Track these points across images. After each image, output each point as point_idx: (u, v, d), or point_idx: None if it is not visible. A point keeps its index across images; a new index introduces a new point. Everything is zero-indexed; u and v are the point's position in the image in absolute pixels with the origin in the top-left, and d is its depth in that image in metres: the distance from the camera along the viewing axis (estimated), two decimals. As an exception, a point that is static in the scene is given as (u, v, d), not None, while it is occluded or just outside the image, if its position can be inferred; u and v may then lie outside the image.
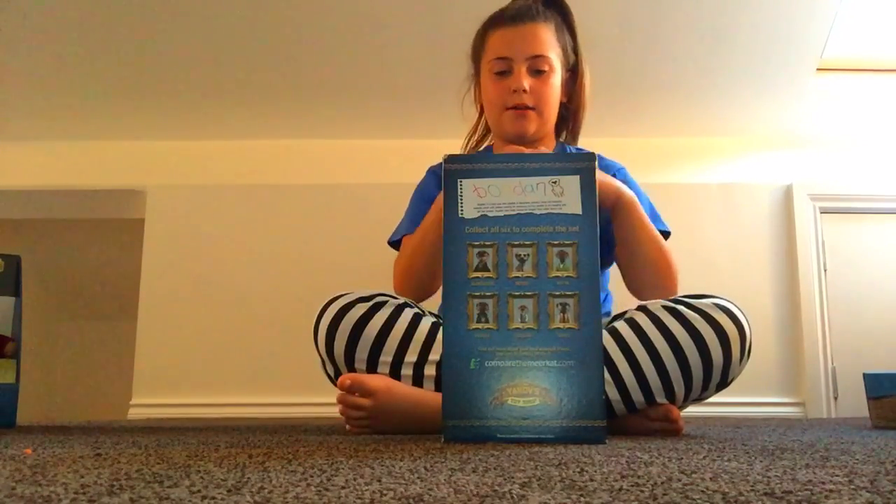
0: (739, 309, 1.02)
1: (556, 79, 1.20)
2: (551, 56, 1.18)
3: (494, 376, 0.80)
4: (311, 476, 0.48)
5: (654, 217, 1.24)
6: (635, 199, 1.11)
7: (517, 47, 1.17)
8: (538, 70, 1.18)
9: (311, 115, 2.69)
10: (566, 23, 1.23)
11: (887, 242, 2.65)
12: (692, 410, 1.24)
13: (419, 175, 1.33)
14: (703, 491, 0.41)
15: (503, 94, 1.19)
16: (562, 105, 1.26)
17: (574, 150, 1.28)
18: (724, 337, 0.97)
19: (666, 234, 1.24)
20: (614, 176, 1.24)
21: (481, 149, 1.33)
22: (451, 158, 0.86)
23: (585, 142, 1.30)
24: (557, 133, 1.30)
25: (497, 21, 1.20)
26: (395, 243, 1.31)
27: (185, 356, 2.57)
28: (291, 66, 2.46)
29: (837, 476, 0.48)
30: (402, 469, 0.52)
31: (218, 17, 2.26)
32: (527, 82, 1.17)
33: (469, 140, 1.34)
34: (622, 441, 0.84)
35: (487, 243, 0.83)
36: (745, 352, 1.00)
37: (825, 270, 2.61)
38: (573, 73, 1.25)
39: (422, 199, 1.28)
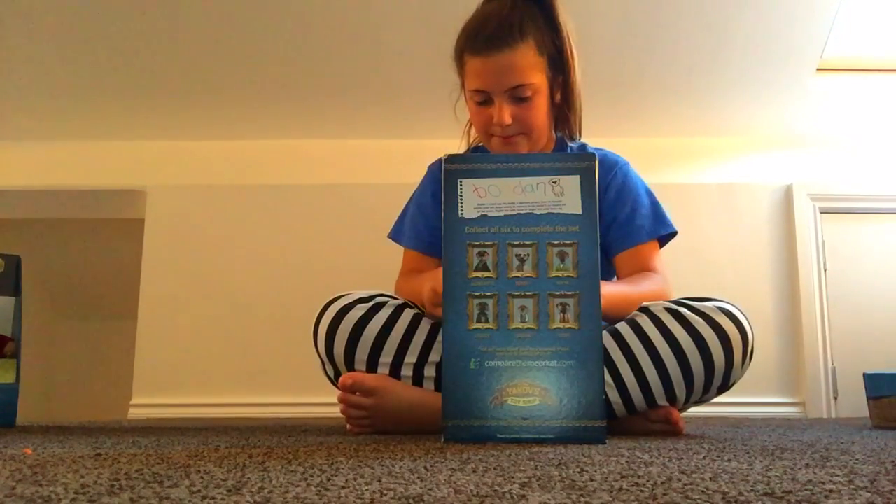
0: (742, 312, 1.01)
1: (542, 97, 1.13)
2: (533, 81, 1.10)
3: (494, 376, 0.80)
4: (311, 476, 0.48)
5: (658, 217, 1.20)
6: (610, 295, 1.01)
7: (494, 81, 1.09)
8: (520, 97, 1.11)
9: (311, 115, 2.69)
10: (548, 19, 1.13)
11: (887, 242, 2.64)
12: (692, 410, 1.24)
13: (419, 175, 1.33)
14: (703, 491, 0.41)
15: (487, 124, 1.14)
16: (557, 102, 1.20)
17: (577, 145, 1.26)
18: (726, 340, 0.97)
19: (671, 235, 1.22)
20: (615, 174, 1.22)
21: (481, 142, 1.30)
22: (451, 158, 0.86)
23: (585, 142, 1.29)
24: (555, 127, 1.26)
25: (472, 43, 1.11)
26: (395, 239, 1.32)
27: (185, 356, 2.57)
28: (291, 66, 2.46)
29: (837, 476, 0.48)
30: (402, 469, 0.52)
31: (218, 18, 2.26)
32: (509, 114, 1.10)
33: (469, 129, 1.32)
34: (622, 441, 0.84)
35: (487, 243, 0.83)
36: (747, 355, 1.00)
37: (825, 270, 2.61)
38: (563, 70, 1.17)
39: (418, 208, 1.29)
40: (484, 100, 1.13)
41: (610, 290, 1.02)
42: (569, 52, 1.16)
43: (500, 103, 1.11)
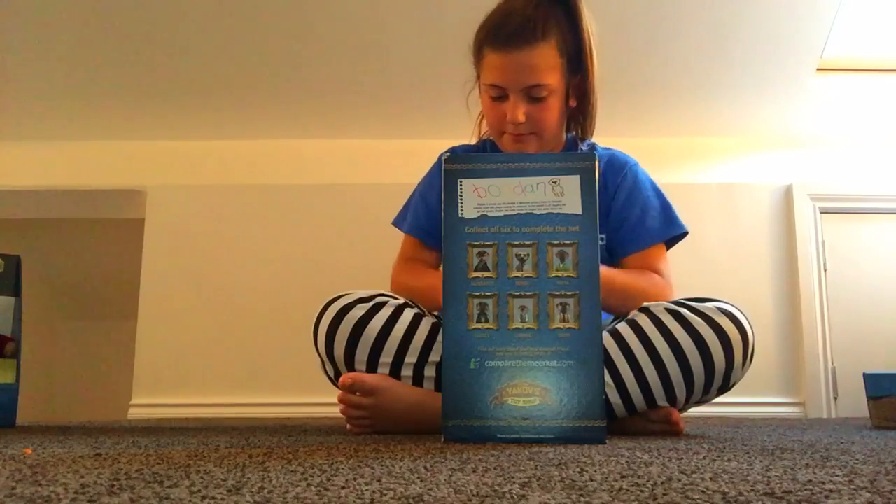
0: (743, 313, 1.01)
1: (557, 98, 1.13)
2: (550, 82, 1.10)
3: (494, 376, 0.80)
4: (311, 476, 0.48)
5: (668, 219, 1.20)
6: (608, 279, 1.00)
7: (512, 78, 1.10)
8: (535, 97, 1.11)
9: (311, 115, 2.69)
10: (571, 20, 1.13)
11: (887, 242, 2.64)
12: (692, 411, 1.24)
13: (419, 175, 1.33)
14: (703, 491, 0.41)
15: (500, 120, 1.14)
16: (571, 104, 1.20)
17: (586, 145, 1.26)
18: (726, 340, 0.96)
19: (682, 236, 1.21)
20: (625, 175, 1.22)
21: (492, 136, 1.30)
22: (451, 158, 0.86)
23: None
24: (567, 128, 1.26)
25: (493, 38, 1.10)
26: (397, 225, 1.32)
27: (185, 356, 2.57)
28: (291, 66, 2.46)
29: (837, 476, 0.48)
30: (402, 469, 0.52)
31: (218, 17, 2.26)
32: (523, 112, 1.11)
33: (481, 121, 1.31)
34: (622, 441, 0.84)
35: (487, 243, 0.83)
36: (747, 356, 0.99)
37: (825, 270, 2.61)
38: (581, 72, 1.18)
39: (421, 197, 1.29)
40: (499, 95, 1.13)
41: (608, 275, 1.01)
42: (588, 55, 1.16)
43: (514, 101, 1.11)
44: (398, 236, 1.32)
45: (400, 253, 1.29)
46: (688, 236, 1.23)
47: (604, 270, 0.93)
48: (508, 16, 1.11)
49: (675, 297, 1.08)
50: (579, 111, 1.22)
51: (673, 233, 1.20)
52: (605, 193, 1.19)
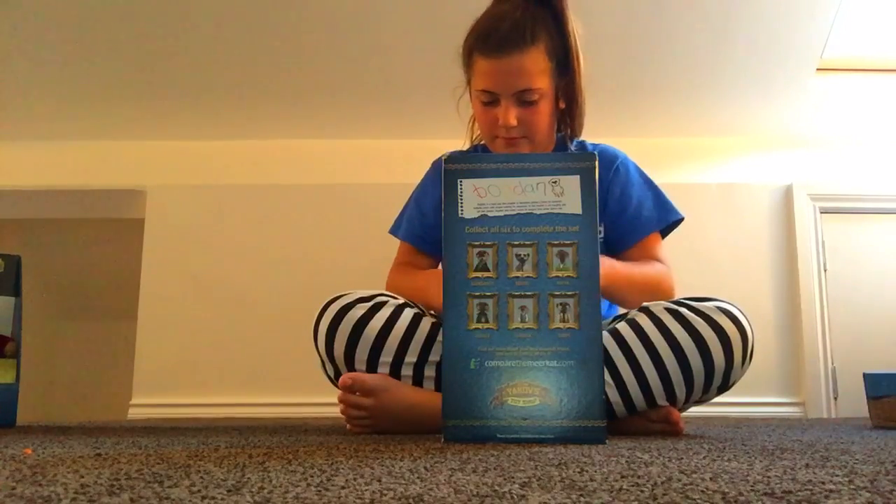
0: (742, 312, 1.01)
1: (547, 102, 1.14)
2: (540, 86, 1.11)
3: (494, 376, 0.80)
4: (311, 476, 0.48)
5: (664, 206, 1.21)
6: (610, 272, 1.04)
7: (502, 83, 1.10)
8: (527, 101, 1.12)
9: (311, 115, 2.69)
10: (557, 23, 1.13)
11: (887, 242, 2.64)
12: (692, 410, 1.24)
13: (419, 175, 1.33)
14: (703, 491, 0.41)
15: (491, 125, 1.15)
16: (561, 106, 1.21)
17: (575, 144, 1.27)
18: (725, 339, 0.97)
19: (678, 222, 1.22)
20: (616, 169, 1.23)
21: (484, 141, 1.30)
22: (451, 158, 0.86)
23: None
24: (557, 128, 1.27)
25: (482, 45, 1.11)
26: (393, 233, 1.33)
27: (185, 356, 2.57)
28: (291, 66, 2.46)
29: (837, 476, 0.48)
30: (402, 469, 0.52)
31: (218, 18, 2.26)
32: (514, 116, 1.11)
33: (473, 125, 1.32)
34: (622, 441, 0.84)
35: (487, 243, 0.83)
36: (747, 355, 1.00)
37: (825, 270, 2.61)
38: (569, 74, 1.17)
39: (416, 203, 1.29)
40: (490, 100, 1.13)
41: (610, 268, 1.02)
42: (576, 57, 1.16)
43: (506, 105, 1.12)
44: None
45: (395, 259, 1.30)
46: (688, 236, 1.23)
47: (604, 261, 0.94)
48: (497, 21, 1.11)
49: (676, 285, 1.09)
50: (568, 112, 1.23)
51: (670, 219, 1.21)
52: (599, 188, 1.19)
